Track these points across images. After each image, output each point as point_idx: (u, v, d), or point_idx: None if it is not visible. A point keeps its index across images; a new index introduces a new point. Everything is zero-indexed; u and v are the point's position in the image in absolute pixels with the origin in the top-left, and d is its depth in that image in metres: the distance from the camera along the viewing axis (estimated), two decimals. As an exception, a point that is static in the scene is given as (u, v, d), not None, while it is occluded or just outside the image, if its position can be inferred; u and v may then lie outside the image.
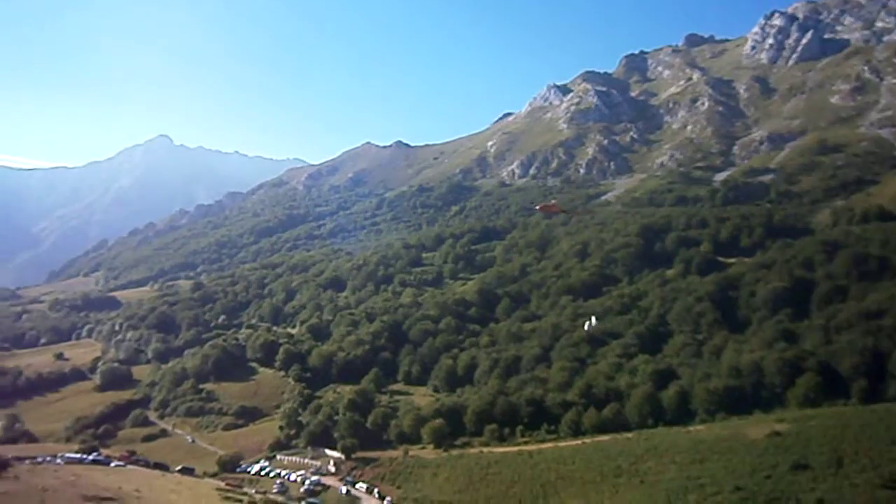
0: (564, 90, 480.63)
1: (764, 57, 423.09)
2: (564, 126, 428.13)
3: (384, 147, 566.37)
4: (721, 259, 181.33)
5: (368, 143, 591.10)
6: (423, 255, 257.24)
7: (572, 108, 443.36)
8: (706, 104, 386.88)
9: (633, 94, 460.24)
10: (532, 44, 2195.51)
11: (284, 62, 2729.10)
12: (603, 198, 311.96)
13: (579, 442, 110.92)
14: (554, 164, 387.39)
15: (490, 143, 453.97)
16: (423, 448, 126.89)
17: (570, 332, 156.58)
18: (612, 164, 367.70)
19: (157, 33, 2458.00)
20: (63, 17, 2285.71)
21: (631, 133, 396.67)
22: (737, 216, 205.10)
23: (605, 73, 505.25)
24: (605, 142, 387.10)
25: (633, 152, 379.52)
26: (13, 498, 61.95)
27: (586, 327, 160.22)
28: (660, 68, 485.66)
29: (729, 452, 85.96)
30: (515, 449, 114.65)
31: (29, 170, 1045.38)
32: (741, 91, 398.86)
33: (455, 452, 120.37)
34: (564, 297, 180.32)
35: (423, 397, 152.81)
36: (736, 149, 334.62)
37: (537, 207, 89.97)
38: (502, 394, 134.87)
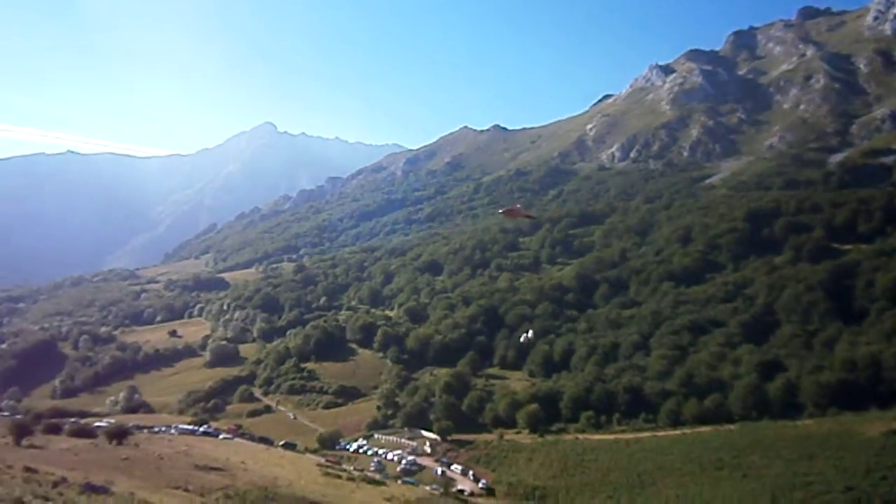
0: (667, 70, 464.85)
1: (888, 28, 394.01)
2: (667, 107, 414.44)
3: (481, 131, 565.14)
4: (836, 246, 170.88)
5: (466, 127, 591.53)
6: (520, 239, 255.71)
7: (675, 88, 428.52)
8: (821, 81, 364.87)
9: (740, 72, 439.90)
10: (633, 23, 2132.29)
11: (384, 49, 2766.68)
12: (707, 181, 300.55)
13: (679, 432, 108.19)
14: (655, 147, 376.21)
15: (589, 126, 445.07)
16: (518, 432, 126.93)
17: (671, 319, 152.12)
18: (717, 146, 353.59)
19: (262, 25, 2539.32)
20: (172, 13, 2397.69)
21: (738, 113, 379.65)
22: (854, 200, 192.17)
23: (711, 51, 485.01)
24: (711, 123, 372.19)
25: (741, 133, 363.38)
26: (134, 463, 66.07)
27: (522, 339, 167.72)
28: (770, 44, 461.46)
29: (840, 450, 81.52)
30: (612, 437, 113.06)
31: (147, 158, 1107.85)
32: (861, 66, 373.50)
33: (550, 438, 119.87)
34: (665, 283, 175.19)
35: (518, 382, 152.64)
36: (854, 128, 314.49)
37: (500, 211, 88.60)
38: (599, 381, 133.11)
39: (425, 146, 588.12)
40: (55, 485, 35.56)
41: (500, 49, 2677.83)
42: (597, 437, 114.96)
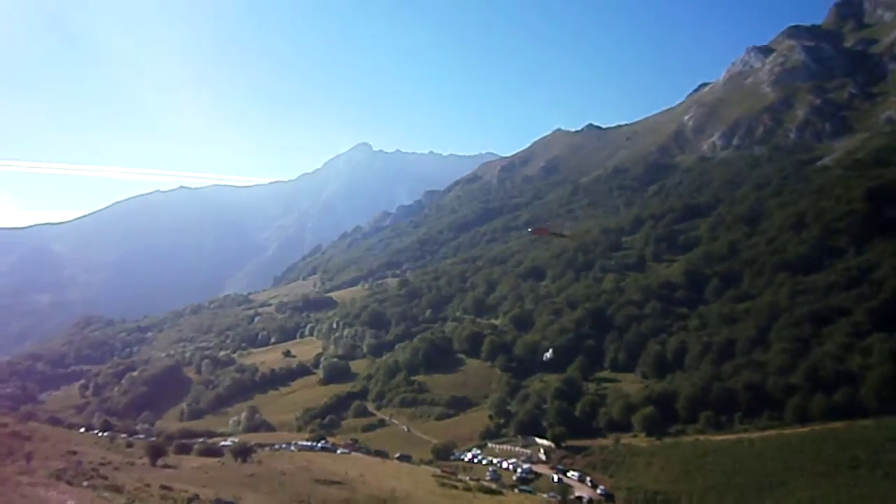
0: (766, 51, 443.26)
1: None
2: (768, 90, 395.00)
3: (575, 132, 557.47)
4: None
5: (559, 129, 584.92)
6: (623, 238, 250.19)
7: (776, 69, 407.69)
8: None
9: (847, 44, 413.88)
10: (726, 6, 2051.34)
11: (471, 59, 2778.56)
12: (819, 163, 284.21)
13: (807, 429, 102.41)
14: (759, 132, 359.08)
15: (687, 117, 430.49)
16: (634, 436, 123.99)
17: (790, 310, 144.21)
18: (826, 124, 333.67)
19: (350, 48, 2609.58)
20: (265, 48, 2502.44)
21: (848, 88, 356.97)
22: None
23: (813, 26, 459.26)
24: (818, 101, 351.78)
25: (853, 109, 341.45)
26: (259, 479, 68.74)
27: (545, 358, 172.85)
28: (879, 10, 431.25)
29: None
30: (734, 437, 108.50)
31: (251, 187, 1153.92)
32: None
33: (668, 440, 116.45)
34: (780, 273, 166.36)
35: (631, 384, 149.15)
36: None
37: (529, 230, 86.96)
38: (716, 379, 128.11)
39: (519, 152, 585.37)
40: (189, 501, 37.37)
41: (588, 46, 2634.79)
42: (718, 437, 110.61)
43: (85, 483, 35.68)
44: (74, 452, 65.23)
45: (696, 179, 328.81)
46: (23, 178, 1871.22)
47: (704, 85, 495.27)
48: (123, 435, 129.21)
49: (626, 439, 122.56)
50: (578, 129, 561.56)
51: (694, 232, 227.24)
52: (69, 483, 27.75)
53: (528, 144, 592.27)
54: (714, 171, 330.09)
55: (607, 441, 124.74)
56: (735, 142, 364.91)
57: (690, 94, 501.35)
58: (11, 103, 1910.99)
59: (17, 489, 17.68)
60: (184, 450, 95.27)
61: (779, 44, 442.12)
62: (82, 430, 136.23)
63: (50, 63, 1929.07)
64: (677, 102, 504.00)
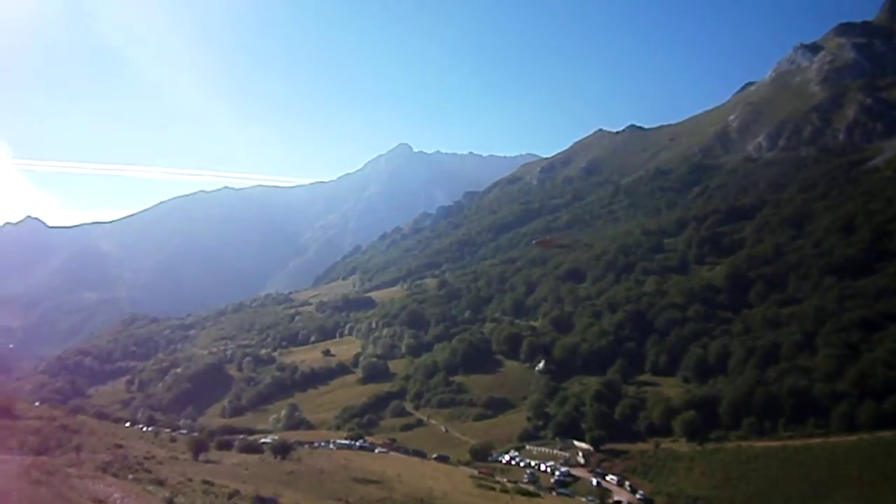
0: (814, 49, 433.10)
1: None
2: (817, 88, 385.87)
3: (616, 133, 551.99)
4: None
5: (600, 130, 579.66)
6: (665, 240, 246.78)
7: (825, 67, 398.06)
8: None
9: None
10: (773, 3, 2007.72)
11: (512, 59, 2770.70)
12: (870, 163, 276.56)
13: (855, 438, 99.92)
14: (807, 133, 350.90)
15: (731, 117, 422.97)
16: (675, 441, 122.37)
17: (838, 315, 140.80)
18: (878, 124, 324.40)
19: (388, 49, 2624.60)
20: (304, 52, 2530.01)
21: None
22: None
23: (864, 22, 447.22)
24: (869, 100, 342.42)
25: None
26: (298, 477, 69.51)
27: (536, 369, 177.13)
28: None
29: None
30: (778, 444, 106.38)
31: (293, 187, 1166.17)
32: None
33: (710, 446, 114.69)
34: (827, 277, 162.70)
35: (672, 388, 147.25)
36: None
37: (534, 242, 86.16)
38: (760, 384, 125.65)
39: (560, 153, 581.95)
40: (230, 496, 37.91)
41: (630, 45, 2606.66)
42: (761, 444, 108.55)
43: (130, 476, 36.48)
44: (120, 446, 66.73)
45: (741, 181, 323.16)
46: (71, 179, 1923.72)
47: (750, 84, 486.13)
48: (167, 430, 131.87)
49: (666, 444, 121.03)
50: (620, 129, 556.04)
51: (738, 234, 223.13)
52: (115, 476, 28.42)
53: (568, 145, 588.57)
54: (759, 173, 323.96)
55: (647, 445, 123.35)
56: (781, 143, 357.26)
57: (736, 94, 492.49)
58: (61, 105, 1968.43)
59: (66, 481, 18.17)
60: (225, 446, 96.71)
61: (828, 41, 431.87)
62: (128, 424, 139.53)
63: (99, 65, 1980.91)
64: (722, 102, 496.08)
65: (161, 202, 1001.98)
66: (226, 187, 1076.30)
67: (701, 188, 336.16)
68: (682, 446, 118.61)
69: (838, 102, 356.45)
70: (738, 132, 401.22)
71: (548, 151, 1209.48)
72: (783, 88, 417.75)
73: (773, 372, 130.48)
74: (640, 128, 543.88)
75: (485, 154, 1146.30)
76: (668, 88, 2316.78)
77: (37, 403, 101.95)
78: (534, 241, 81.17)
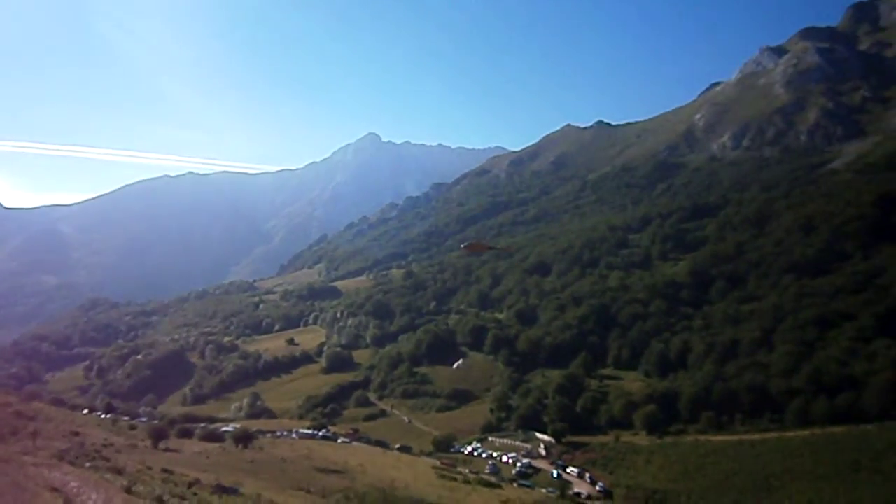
0: (780, 52, 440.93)
1: None
2: (781, 90, 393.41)
3: (585, 128, 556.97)
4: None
5: (569, 125, 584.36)
6: (630, 236, 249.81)
7: (790, 70, 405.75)
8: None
9: (861, 47, 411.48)
10: (740, 6, 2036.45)
11: (482, 51, 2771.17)
12: (829, 166, 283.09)
13: (808, 433, 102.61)
14: (770, 134, 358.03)
15: (698, 116, 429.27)
16: (635, 434, 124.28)
17: (795, 313, 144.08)
18: (838, 128, 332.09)
19: (361, 36, 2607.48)
20: (275, 35, 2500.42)
21: (861, 91, 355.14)
22: None
23: (828, 27, 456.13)
24: (830, 104, 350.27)
25: (865, 113, 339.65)
26: (260, 466, 69.16)
27: (455, 367, 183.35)
28: (895, 14, 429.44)
29: None
30: (735, 438, 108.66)
31: (260, 174, 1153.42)
32: None
33: (669, 439, 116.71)
34: (787, 275, 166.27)
35: (633, 382, 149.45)
36: None
37: (461, 246, 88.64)
38: (719, 379, 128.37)
39: (528, 147, 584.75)
40: (190, 485, 37.59)
41: (600, 42, 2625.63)
42: (718, 438, 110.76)
43: (87, 464, 35.93)
44: (77, 434, 65.70)
45: (705, 179, 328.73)
46: (32, 160, 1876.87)
47: (717, 84, 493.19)
48: (126, 418, 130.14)
49: (626, 437, 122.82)
50: (588, 125, 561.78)
51: (701, 232, 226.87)
52: (72, 464, 28.00)
53: (537, 139, 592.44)
54: (723, 172, 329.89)
55: (608, 438, 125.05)
56: (745, 142, 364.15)
57: (702, 93, 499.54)
58: (22, 85, 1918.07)
59: (21, 469, 17.87)
60: (186, 434, 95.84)
61: (793, 45, 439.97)
62: (85, 411, 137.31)
63: (62, 47, 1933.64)
64: (689, 101, 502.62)
65: (125, 185, 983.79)
66: (191, 172, 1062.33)
67: (666, 185, 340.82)
68: (642, 439, 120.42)
69: (801, 105, 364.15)
70: (704, 131, 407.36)
71: (516, 145, 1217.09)
72: (748, 89, 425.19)
73: (731, 368, 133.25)
74: (608, 124, 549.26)
75: (454, 146, 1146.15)
76: (636, 86, 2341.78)
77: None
78: (462, 245, 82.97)
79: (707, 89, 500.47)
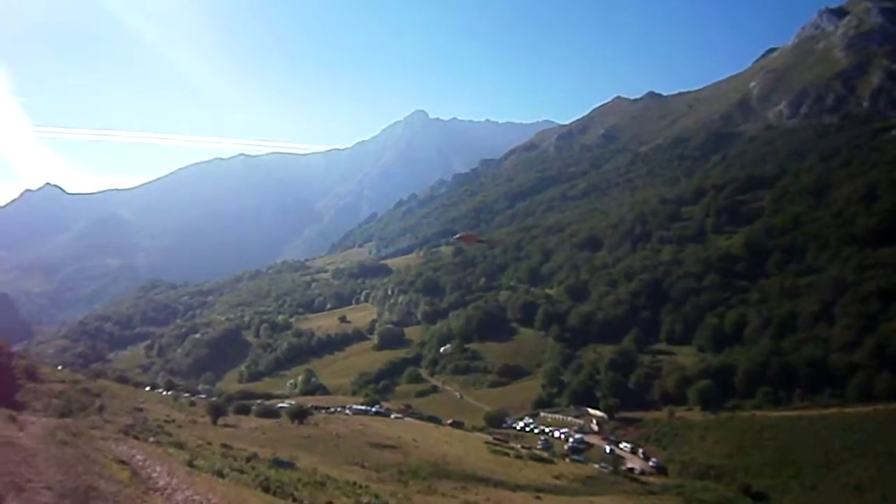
0: (840, 13, 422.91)
1: None
2: (841, 55, 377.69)
3: (635, 100, 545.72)
4: None
5: (619, 97, 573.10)
6: (682, 209, 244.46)
7: (850, 32, 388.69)
8: None
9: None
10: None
11: (530, 24, 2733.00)
12: (893, 132, 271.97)
13: (870, 409, 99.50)
14: (830, 100, 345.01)
15: (752, 84, 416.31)
16: (689, 409, 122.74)
17: (856, 285, 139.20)
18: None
19: (406, 14, 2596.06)
20: (322, 14, 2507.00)
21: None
22: None
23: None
24: (895, 67, 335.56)
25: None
26: (315, 441, 70.67)
27: (441, 350, 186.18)
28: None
29: None
30: (793, 413, 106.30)
31: (309, 154, 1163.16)
32: None
33: (724, 415, 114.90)
34: (847, 247, 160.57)
35: (687, 357, 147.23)
36: None
37: (455, 237, 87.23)
38: (776, 354, 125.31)
39: (577, 120, 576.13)
40: (248, 459, 38.62)
41: (651, 11, 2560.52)
42: (775, 413, 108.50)
43: (151, 439, 37.19)
44: (141, 410, 67.96)
45: (761, 149, 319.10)
46: (89, 146, 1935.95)
47: (772, 50, 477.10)
48: (186, 394, 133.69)
49: (680, 412, 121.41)
50: (639, 96, 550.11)
51: (756, 203, 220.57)
52: (136, 438, 29.04)
53: (586, 112, 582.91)
54: (780, 141, 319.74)
55: (661, 414, 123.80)
56: (803, 110, 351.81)
57: (757, 60, 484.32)
58: (82, 74, 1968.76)
59: (90, 442, 18.62)
60: (243, 410, 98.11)
61: (854, 5, 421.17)
62: (148, 388, 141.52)
63: (117, 35, 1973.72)
64: (743, 69, 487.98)
65: (178, 169, 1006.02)
66: (242, 155, 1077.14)
67: (720, 156, 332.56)
68: (696, 415, 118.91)
69: (863, 69, 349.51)
70: (759, 99, 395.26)
71: (565, 118, 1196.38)
72: (806, 54, 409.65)
73: (789, 342, 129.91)
74: (659, 95, 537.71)
75: (501, 121, 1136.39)
76: (688, 55, 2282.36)
77: (59, 367, 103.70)
78: (455, 237, 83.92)
79: (762, 56, 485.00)
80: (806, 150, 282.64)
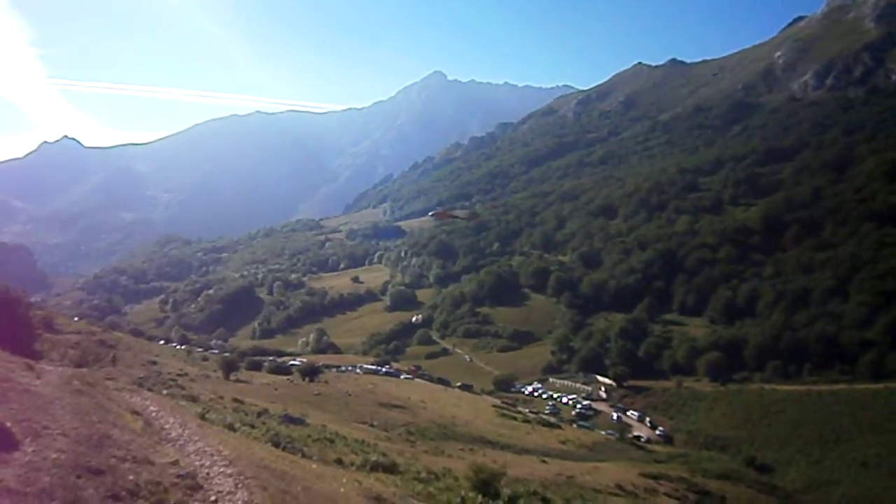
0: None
1: None
2: (871, 25, 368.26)
3: (657, 67, 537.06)
4: None
5: (640, 63, 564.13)
6: (700, 179, 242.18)
7: (882, 2, 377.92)
8: None
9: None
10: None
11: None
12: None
13: (881, 386, 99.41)
14: (857, 72, 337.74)
15: (777, 54, 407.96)
16: (698, 380, 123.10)
17: (873, 263, 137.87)
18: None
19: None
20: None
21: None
22: None
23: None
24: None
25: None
26: (325, 399, 71.48)
27: (413, 320, 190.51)
28: None
29: None
30: (802, 388, 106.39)
31: (325, 113, 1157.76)
32: None
33: (733, 387, 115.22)
34: (867, 223, 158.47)
35: (697, 328, 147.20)
36: None
37: (430, 214, 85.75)
38: (788, 328, 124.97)
39: (597, 86, 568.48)
40: (259, 415, 39.14)
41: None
42: (785, 387, 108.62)
43: (164, 391, 37.75)
44: (154, 363, 68.87)
45: (783, 121, 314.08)
46: (107, 99, 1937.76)
47: (800, 19, 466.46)
48: (199, 349, 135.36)
49: (688, 383, 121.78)
50: (661, 63, 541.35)
51: (776, 176, 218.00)
52: (150, 390, 29.48)
53: (606, 78, 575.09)
54: (803, 113, 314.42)
55: (669, 383, 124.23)
56: (829, 82, 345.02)
57: (784, 29, 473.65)
58: (98, 27, 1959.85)
59: (105, 392, 18.92)
60: (255, 366, 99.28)
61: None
62: (162, 342, 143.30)
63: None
64: (769, 37, 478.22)
65: (195, 125, 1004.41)
66: (258, 112, 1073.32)
67: (741, 127, 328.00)
68: (705, 386, 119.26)
69: (893, 40, 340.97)
70: (784, 69, 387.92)
71: (585, 84, 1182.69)
72: (835, 24, 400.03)
73: (802, 317, 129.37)
74: (682, 62, 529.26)
75: (520, 84, 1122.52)
76: (712, 22, 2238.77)
77: (76, 319, 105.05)
78: (430, 214, 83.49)
79: (789, 24, 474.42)
80: (829, 123, 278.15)
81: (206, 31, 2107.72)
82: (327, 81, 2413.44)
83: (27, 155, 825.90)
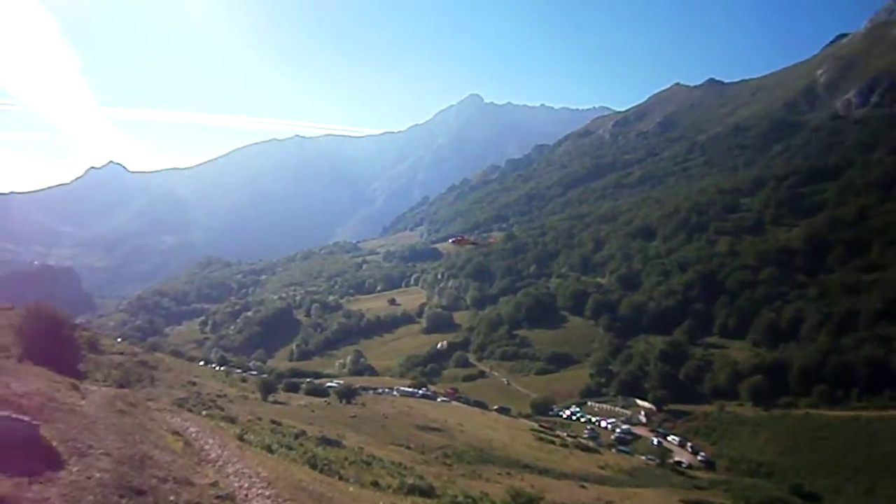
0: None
1: None
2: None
3: (695, 87, 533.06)
4: None
5: (677, 84, 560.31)
6: (741, 200, 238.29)
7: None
8: None
9: None
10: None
11: (586, 8, 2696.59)
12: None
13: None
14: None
15: (819, 71, 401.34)
16: (740, 405, 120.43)
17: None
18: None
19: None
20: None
21: None
22: None
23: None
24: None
25: None
26: (361, 421, 71.50)
27: (439, 346, 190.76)
28: None
29: None
30: (850, 414, 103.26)
31: (363, 137, 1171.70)
32: None
33: (777, 412, 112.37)
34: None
35: (739, 351, 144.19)
36: None
37: (450, 241, 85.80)
38: (834, 352, 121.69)
39: (634, 107, 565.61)
40: (296, 436, 39.36)
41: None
42: (831, 413, 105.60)
43: (204, 412, 38.22)
44: (194, 384, 69.62)
45: (826, 139, 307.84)
46: (151, 125, 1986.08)
47: (843, 36, 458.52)
48: (238, 370, 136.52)
49: (731, 407, 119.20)
50: (699, 83, 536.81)
51: (820, 196, 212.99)
52: (190, 411, 29.90)
53: (643, 99, 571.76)
54: (847, 131, 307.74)
55: (711, 408, 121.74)
56: (873, 99, 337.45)
57: (826, 47, 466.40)
58: (144, 56, 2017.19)
59: (146, 412, 19.26)
60: (292, 388, 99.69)
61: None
62: (201, 363, 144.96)
63: (182, 19, 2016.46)
64: (810, 55, 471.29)
65: (235, 149, 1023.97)
66: (297, 136, 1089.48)
67: (782, 146, 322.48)
68: (748, 410, 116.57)
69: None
70: (826, 87, 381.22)
71: (622, 105, 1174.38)
72: (879, 40, 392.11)
73: (849, 340, 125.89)
74: (720, 82, 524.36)
75: (556, 106, 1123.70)
76: (751, 41, 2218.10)
77: (118, 339, 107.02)
78: (451, 241, 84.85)
79: (831, 42, 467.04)
80: (875, 141, 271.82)
81: (247, 58, 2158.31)
82: (365, 106, 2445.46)
83: (74, 181, 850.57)
